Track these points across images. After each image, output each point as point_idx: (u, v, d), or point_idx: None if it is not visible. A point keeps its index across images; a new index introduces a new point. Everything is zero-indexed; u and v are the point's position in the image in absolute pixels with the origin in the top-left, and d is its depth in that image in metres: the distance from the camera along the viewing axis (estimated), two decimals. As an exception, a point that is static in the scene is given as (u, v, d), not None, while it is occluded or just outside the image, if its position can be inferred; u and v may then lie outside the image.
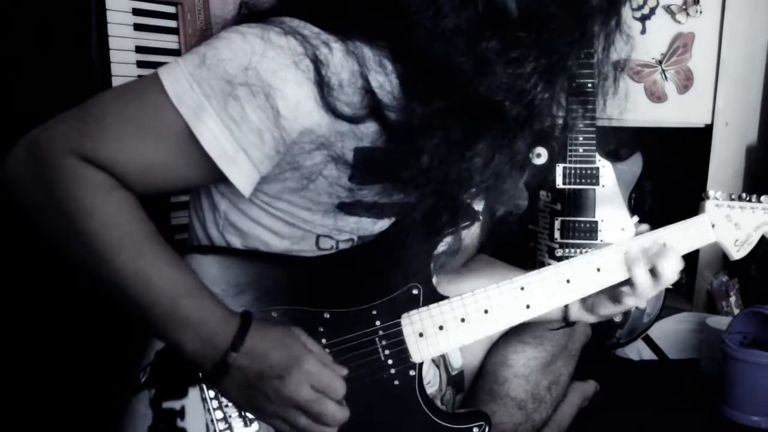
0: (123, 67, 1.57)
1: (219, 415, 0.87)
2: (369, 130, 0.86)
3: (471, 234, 1.12)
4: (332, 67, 0.82)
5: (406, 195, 0.90)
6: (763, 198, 1.17)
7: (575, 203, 1.85)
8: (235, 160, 0.82)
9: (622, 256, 1.03)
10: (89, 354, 1.45)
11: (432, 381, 1.14)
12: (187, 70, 0.82)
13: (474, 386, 1.23)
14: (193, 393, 0.87)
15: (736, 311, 1.93)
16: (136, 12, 1.59)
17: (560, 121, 0.95)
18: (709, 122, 2.01)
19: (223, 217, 0.95)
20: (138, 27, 1.59)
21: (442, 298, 0.96)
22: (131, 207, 0.84)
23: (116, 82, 1.54)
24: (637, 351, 1.96)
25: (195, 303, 0.84)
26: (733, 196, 1.15)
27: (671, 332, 1.97)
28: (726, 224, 1.13)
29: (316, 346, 0.88)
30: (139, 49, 1.61)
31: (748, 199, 1.15)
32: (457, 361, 1.21)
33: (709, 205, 1.13)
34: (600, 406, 1.54)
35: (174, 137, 0.82)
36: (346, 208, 0.91)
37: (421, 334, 0.94)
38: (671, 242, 1.06)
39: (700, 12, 1.97)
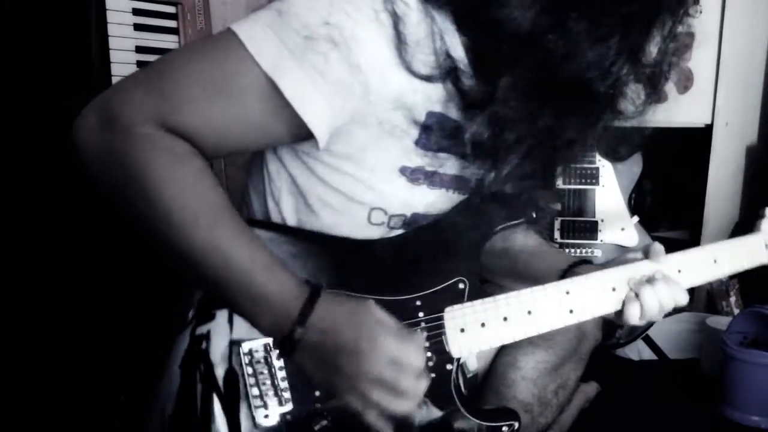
0: (123, 67, 1.57)
1: (255, 392, 0.87)
2: (439, 94, 0.86)
3: None
4: (409, 24, 0.82)
5: (470, 168, 0.90)
6: None
7: (575, 203, 1.85)
8: (315, 109, 0.81)
9: (672, 270, 0.99)
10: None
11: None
12: (265, 23, 0.81)
13: (481, 385, 1.22)
14: (220, 315, 0.88)
15: (736, 311, 1.93)
16: (136, 12, 1.59)
17: (637, 102, 0.93)
18: (709, 122, 2.01)
19: (281, 188, 0.96)
20: (138, 27, 1.59)
21: (487, 294, 0.95)
22: (207, 176, 0.82)
23: (116, 81, 1.54)
24: (637, 351, 1.96)
25: (270, 277, 0.83)
26: None
27: (671, 332, 1.97)
28: None
29: (389, 319, 0.86)
30: (139, 49, 1.61)
31: None
32: (472, 364, 1.20)
33: (764, 224, 1.07)
34: (600, 406, 1.53)
35: (255, 91, 0.81)
36: (407, 173, 0.91)
37: (462, 330, 0.93)
38: (720, 259, 1.02)
39: (700, 12, 1.96)
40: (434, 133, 0.89)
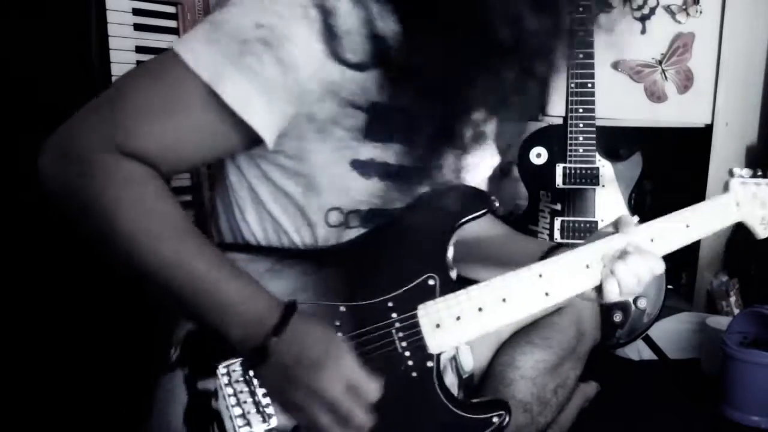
0: (123, 67, 1.57)
1: (237, 411, 0.87)
2: (377, 81, 0.87)
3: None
4: (340, 16, 0.83)
5: (418, 154, 0.91)
6: None
7: (575, 203, 1.85)
8: (258, 111, 0.83)
9: (645, 240, 1.00)
10: (116, 332, 1.46)
11: (451, 388, 1.13)
12: (200, 37, 0.84)
13: (480, 386, 1.21)
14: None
15: (736, 311, 1.93)
16: (136, 12, 1.59)
17: (553, 63, 0.93)
18: (709, 122, 2.01)
19: (244, 197, 0.97)
20: (138, 27, 1.59)
21: (459, 287, 0.95)
22: (167, 196, 0.85)
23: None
24: (637, 351, 1.96)
25: (239, 287, 0.84)
26: (759, 173, 1.10)
27: (671, 332, 1.97)
28: (752, 202, 1.09)
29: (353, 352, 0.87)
30: (139, 49, 1.61)
31: None
32: (468, 364, 1.19)
33: (734, 183, 1.09)
34: (600, 406, 1.53)
35: (199, 103, 0.83)
36: (358, 166, 0.92)
37: (438, 325, 0.93)
38: (693, 223, 1.03)
39: (700, 12, 1.97)
40: (378, 123, 0.90)
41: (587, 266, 0.97)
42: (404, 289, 0.93)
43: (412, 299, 0.93)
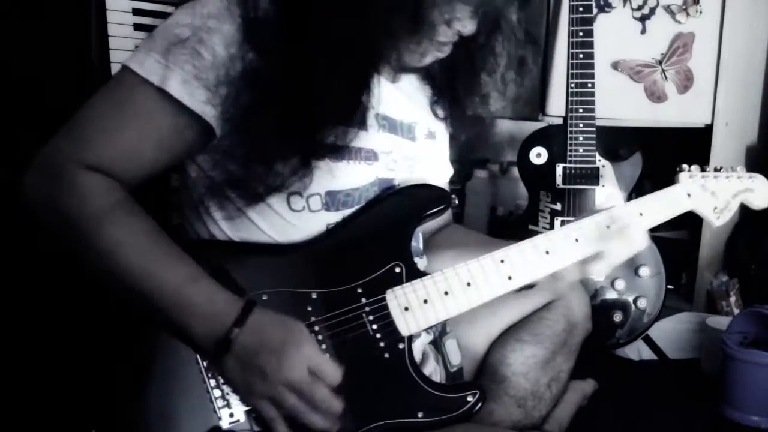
0: (123, 67, 1.57)
1: (217, 393, 0.91)
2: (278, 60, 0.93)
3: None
4: (260, 8, 0.92)
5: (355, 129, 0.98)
6: (738, 168, 1.20)
7: (575, 203, 1.85)
8: (202, 99, 0.91)
9: (600, 227, 1.06)
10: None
11: (432, 375, 1.14)
12: (145, 48, 0.92)
13: None
14: None
15: (736, 311, 1.93)
16: (136, 12, 1.59)
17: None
18: (709, 122, 2.01)
19: (205, 193, 1.01)
20: (138, 27, 1.59)
21: (425, 274, 1.00)
22: (130, 205, 0.91)
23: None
24: (637, 351, 1.96)
25: (200, 288, 0.90)
26: (706, 168, 1.18)
27: (671, 332, 1.97)
28: (702, 193, 1.17)
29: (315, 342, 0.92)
30: (139, 49, 1.61)
31: (721, 169, 1.19)
32: (456, 358, 1.21)
33: (683, 176, 1.17)
34: (600, 406, 1.54)
35: (152, 105, 0.91)
36: (309, 151, 0.96)
37: (406, 308, 0.98)
38: (648, 212, 1.11)
39: (700, 12, 1.97)
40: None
41: (547, 252, 1.03)
42: (373, 276, 0.99)
43: (381, 285, 0.99)
